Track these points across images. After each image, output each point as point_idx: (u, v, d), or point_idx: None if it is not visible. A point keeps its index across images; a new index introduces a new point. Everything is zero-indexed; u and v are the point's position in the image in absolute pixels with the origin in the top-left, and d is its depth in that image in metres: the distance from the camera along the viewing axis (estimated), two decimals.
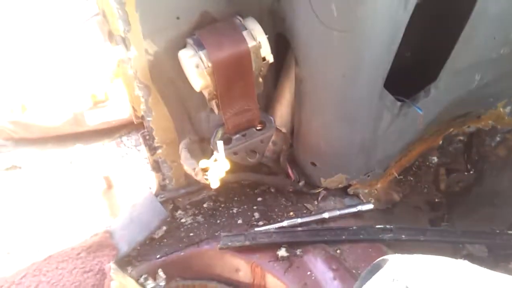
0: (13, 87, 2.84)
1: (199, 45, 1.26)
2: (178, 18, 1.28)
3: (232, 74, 1.30)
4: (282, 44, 1.46)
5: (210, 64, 1.25)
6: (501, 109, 1.97)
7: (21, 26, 3.41)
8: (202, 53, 1.25)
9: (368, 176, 1.82)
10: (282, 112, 1.66)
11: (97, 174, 2.40)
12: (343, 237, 1.56)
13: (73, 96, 2.74)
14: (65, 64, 2.92)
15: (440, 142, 2.07)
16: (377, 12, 1.21)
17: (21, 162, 2.61)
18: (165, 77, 1.39)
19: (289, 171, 1.77)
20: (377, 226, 1.59)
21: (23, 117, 2.71)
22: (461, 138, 2.09)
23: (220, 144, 1.40)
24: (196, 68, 1.26)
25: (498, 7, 1.43)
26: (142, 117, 1.50)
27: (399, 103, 1.56)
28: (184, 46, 1.31)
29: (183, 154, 1.51)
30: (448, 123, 2.03)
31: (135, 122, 1.55)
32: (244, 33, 1.29)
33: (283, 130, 1.69)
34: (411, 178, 2.05)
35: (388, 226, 1.59)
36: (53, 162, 2.59)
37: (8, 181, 2.48)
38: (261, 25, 1.34)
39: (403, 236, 1.57)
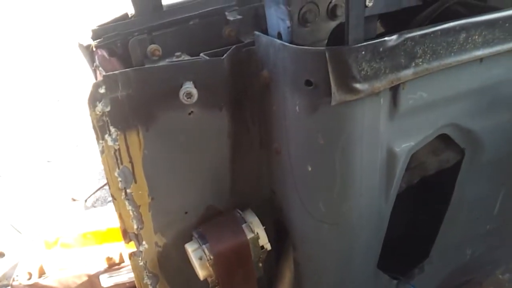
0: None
1: (203, 239, 1.41)
2: (186, 212, 1.45)
3: (232, 263, 1.42)
4: (281, 227, 1.61)
5: (212, 257, 1.38)
6: (500, 276, 2.02)
7: None
8: (205, 247, 1.39)
9: None
10: None
11: None
12: None
13: (89, 258, 2.86)
14: None
15: None
16: (360, 207, 1.37)
17: None
18: (172, 266, 1.51)
19: None
20: None
21: (40, 281, 2.80)
22: None
23: None
24: (200, 260, 1.39)
25: (475, 193, 1.58)
26: None
27: (395, 281, 1.63)
28: (191, 238, 1.46)
29: None
30: None
31: None
32: (244, 226, 1.44)
33: None
34: None
35: None
36: None
37: None
38: (261, 212, 1.50)
39: None
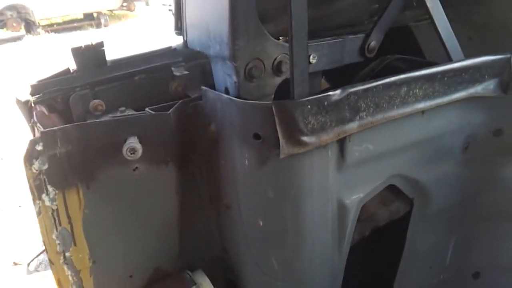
0: None
1: None
2: (131, 276, 1.36)
3: None
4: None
5: None
6: None
7: None
8: None
9: None
10: None
11: None
12: None
13: None
14: None
15: None
16: (314, 261, 1.33)
17: None
18: None
19: None
20: None
21: None
22: None
23: None
24: None
25: (426, 242, 1.59)
26: None
27: None
28: None
29: None
30: None
31: None
32: None
33: None
34: None
35: None
36: None
37: None
38: (212, 272, 1.42)
39: None
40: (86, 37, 12.11)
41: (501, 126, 1.48)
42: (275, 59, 1.22)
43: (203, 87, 1.28)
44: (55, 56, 9.35)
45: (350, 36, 1.40)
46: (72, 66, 1.32)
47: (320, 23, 1.62)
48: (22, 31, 12.76)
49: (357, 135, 1.21)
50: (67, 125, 1.15)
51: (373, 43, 1.42)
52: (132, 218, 1.29)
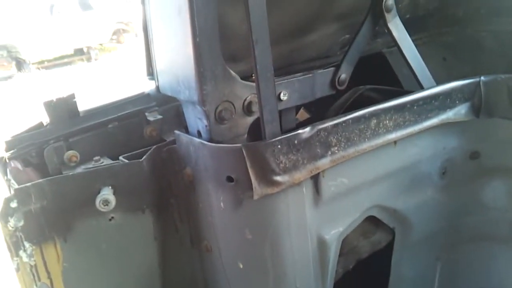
0: None
1: None
2: None
3: None
4: None
5: None
6: None
7: None
8: None
9: None
10: None
11: None
12: None
13: None
14: None
15: None
16: None
17: None
18: None
19: None
20: None
21: None
22: None
23: None
24: None
25: (412, 270, 1.58)
26: None
27: None
28: None
29: None
30: None
31: None
32: None
33: None
34: None
35: None
36: None
37: None
38: None
39: None
40: (77, 72, 12.21)
41: (477, 149, 1.49)
42: (245, 99, 1.23)
43: (176, 132, 1.28)
44: (45, 94, 9.40)
45: (320, 71, 1.42)
46: (46, 119, 1.32)
47: (292, 58, 1.65)
48: (14, 69, 12.84)
49: (330, 170, 1.22)
50: (40, 181, 1.15)
51: (343, 75, 1.44)
52: (112, 267, 1.28)
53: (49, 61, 13.90)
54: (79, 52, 14.21)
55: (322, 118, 1.25)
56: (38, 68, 13.23)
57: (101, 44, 14.93)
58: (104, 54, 14.79)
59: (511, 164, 1.47)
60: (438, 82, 1.47)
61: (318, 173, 1.20)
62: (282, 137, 1.12)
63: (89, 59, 13.99)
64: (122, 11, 14.82)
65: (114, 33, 14.90)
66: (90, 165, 1.28)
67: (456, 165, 1.47)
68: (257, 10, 1.07)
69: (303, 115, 2.02)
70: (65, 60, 13.97)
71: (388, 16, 1.40)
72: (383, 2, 1.38)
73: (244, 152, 1.09)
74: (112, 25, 14.67)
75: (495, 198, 1.52)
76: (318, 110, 1.70)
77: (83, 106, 1.36)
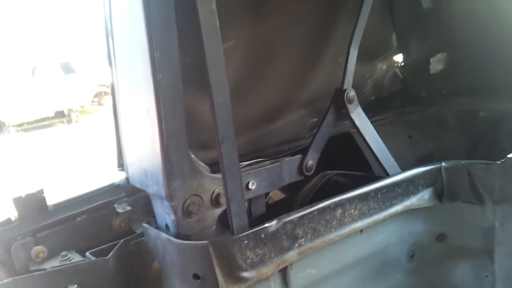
0: None
1: None
2: None
3: None
4: None
5: None
6: None
7: None
8: None
9: None
10: None
11: None
12: None
13: None
14: None
15: None
16: None
17: None
18: None
19: None
20: None
21: None
22: None
23: None
24: None
25: None
26: None
27: None
28: None
29: None
30: None
31: None
32: None
33: None
34: None
35: None
36: None
37: None
38: None
39: None
40: (57, 135, 12.17)
41: (443, 231, 1.52)
42: (213, 192, 1.25)
43: (144, 225, 1.29)
44: (23, 157, 9.33)
45: (287, 159, 1.47)
46: (14, 214, 1.32)
47: (261, 143, 1.70)
48: None
49: (298, 262, 1.22)
50: (6, 281, 1.14)
51: (310, 162, 1.49)
52: None
53: (29, 123, 13.88)
54: (59, 114, 14.26)
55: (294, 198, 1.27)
56: (18, 131, 13.16)
57: (82, 106, 15.04)
58: (85, 116, 14.85)
59: (477, 245, 1.50)
60: (404, 163, 1.53)
61: (286, 266, 1.20)
62: (249, 232, 1.13)
63: (69, 122, 14.02)
64: (104, 74, 15.08)
65: (96, 96, 15.08)
66: (57, 261, 1.26)
67: (424, 248, 1.49)
68: (223, 109, 1.12)
69: (277, 194, 2.04)
70: (46, 122, 13.97)
71: (350, 107, 1.47)
72: (345, 94, 1.46)
73: (210, 249, 1.09)
74: (94, 87, 14.86)
75: (463, 279, 1.53)
76: (292, 188, 1.72)
77: (52, 199, 1.37)
